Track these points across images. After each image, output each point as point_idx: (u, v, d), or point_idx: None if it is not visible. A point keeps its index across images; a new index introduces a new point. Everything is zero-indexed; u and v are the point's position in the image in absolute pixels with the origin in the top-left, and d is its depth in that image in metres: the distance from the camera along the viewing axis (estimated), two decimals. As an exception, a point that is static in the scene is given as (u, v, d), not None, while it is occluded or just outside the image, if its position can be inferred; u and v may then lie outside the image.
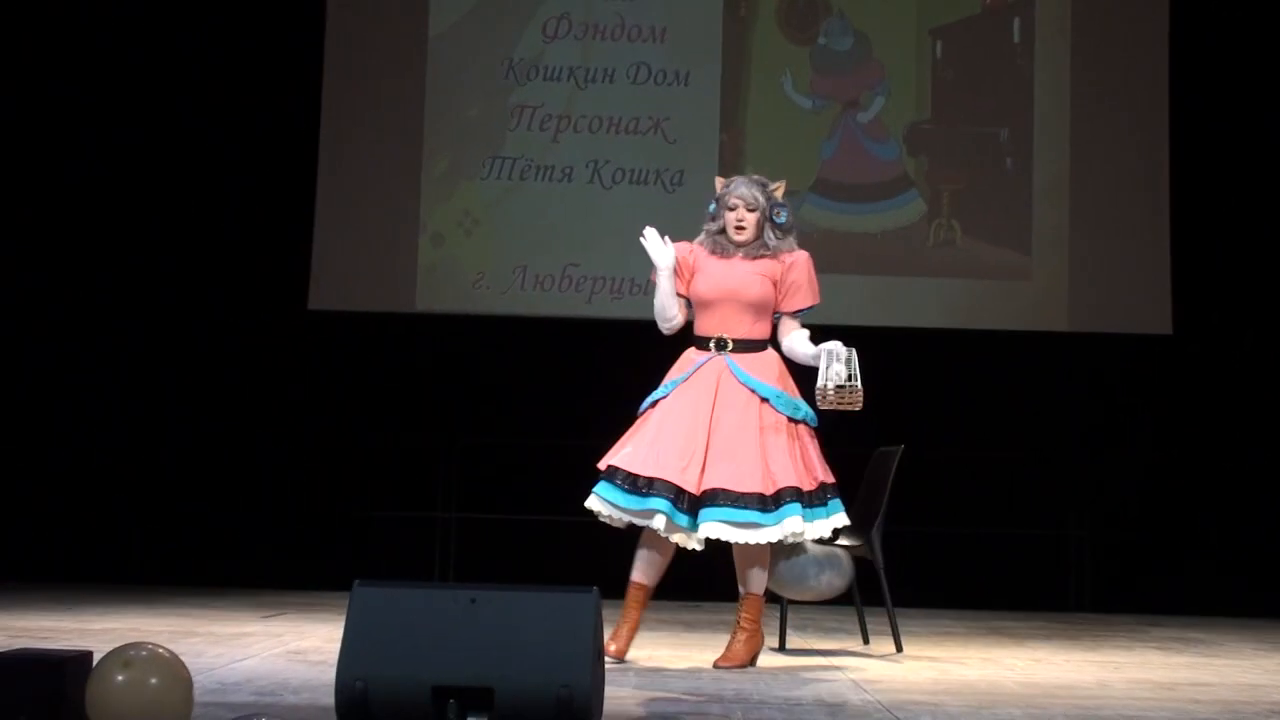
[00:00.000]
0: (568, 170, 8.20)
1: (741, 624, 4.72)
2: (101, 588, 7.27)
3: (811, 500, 4.63)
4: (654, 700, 3.83)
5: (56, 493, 7.97)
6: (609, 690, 3.41)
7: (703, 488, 4.54)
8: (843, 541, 5.41)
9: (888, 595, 5.30)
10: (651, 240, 4.83)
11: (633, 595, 4.72)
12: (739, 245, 4.78)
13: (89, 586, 7.30)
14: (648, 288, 7.99)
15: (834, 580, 5.02)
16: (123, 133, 8.16)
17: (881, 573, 5.26)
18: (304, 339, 8.10)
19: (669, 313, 4.82)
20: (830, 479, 4.74)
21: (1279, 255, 8.15)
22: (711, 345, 4.74)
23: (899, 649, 5.29)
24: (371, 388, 8.15)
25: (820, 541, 4.86)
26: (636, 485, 4.55)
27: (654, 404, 4.74)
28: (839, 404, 4.69)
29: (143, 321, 8.11)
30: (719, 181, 4.95)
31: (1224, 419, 8.10)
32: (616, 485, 4.58)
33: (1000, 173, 8.25)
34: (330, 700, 3.10)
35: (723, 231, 4.82)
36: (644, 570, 4.73)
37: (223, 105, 8.17)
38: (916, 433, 6.52)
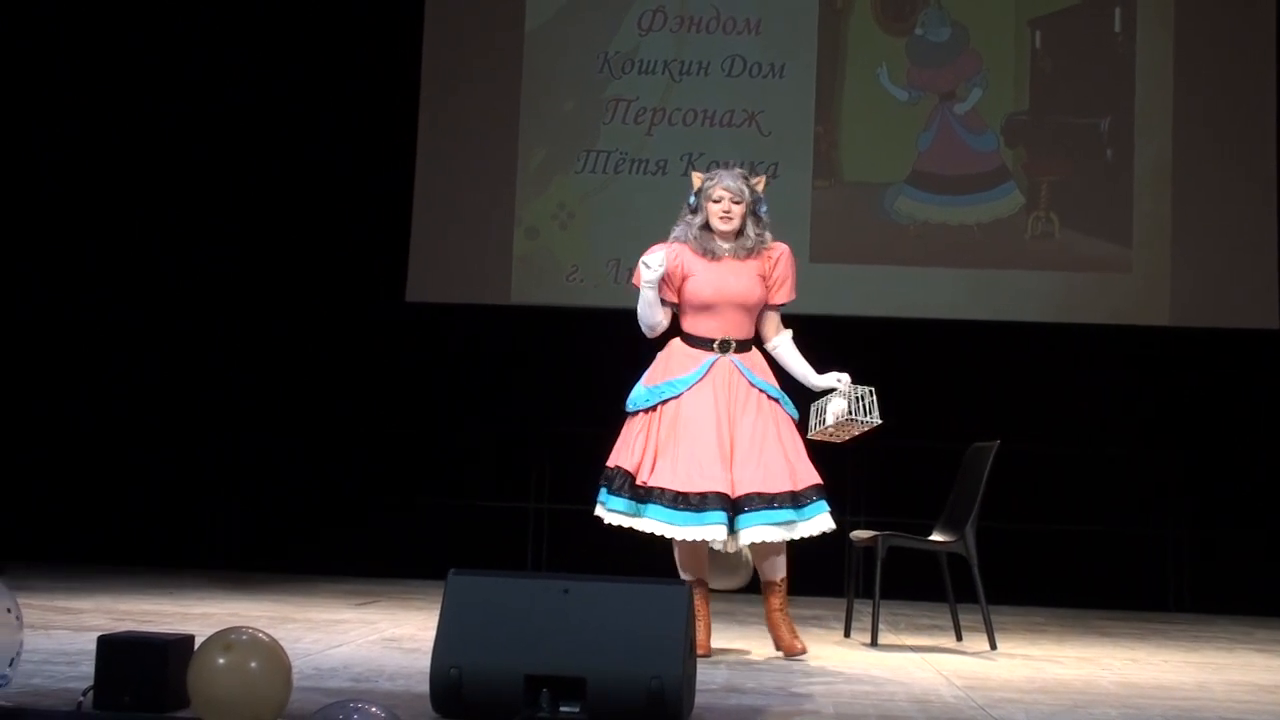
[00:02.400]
0: (662, 163, 8.20)
1: (782, 610, 4.77)
2: (200, 573, 7.40)
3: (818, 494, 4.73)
4: (745, 693, 3.83)
5: (157, 481, 8.13)
6: (700, 683, 3.42)
7: (737, 493, 4.59)
8: (936, 537, 5.38)
9: (981, 592, 5.25)
10: (650, 262, 4.77)
11: (694, 594, 4.71)
12: (723, 237, 4.77)
13: (188, 572, 7.44)
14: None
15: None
16: (222, 126, 8.29)
17: (975, 569, 5.21)
18: (401, 331, 8.18)
19: (654, 319, 4.86)
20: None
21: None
22: (715, 347, 4.77)
23: (993, 646, 5.24)
24: (466, 379, 8.22)
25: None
26: (689, 503, 4.57)
27: (660, 403, 4.74)
28: (827, 437, 4.86)
29: (243, 313, 8.24)
30: (697, 176, 4.93)
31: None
32: (667, 506, 4.59)
33: (1100, 164, 8.13)
34: (425, 687, 3.14)
35: (705, 226, 4.79)
36: (693, 567, 4.77)
37: (323, 99, 8.28)
38: (1012, 428, 6.43)
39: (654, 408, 4.76)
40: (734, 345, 4.78)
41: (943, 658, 4.94)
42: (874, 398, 4.80)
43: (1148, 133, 8.08)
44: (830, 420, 4.80)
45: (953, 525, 5.34)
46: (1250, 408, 7.98)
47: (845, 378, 4.83)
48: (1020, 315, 7.96)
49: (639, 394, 4.83)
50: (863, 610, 5.56)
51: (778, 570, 4.79)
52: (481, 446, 8.15)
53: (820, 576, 7.06)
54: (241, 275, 8.26)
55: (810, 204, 8.10)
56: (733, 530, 4.60)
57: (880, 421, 4.82)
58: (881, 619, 5.41)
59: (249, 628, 3.06)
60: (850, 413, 4.78)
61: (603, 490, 4.77)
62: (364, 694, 3.54)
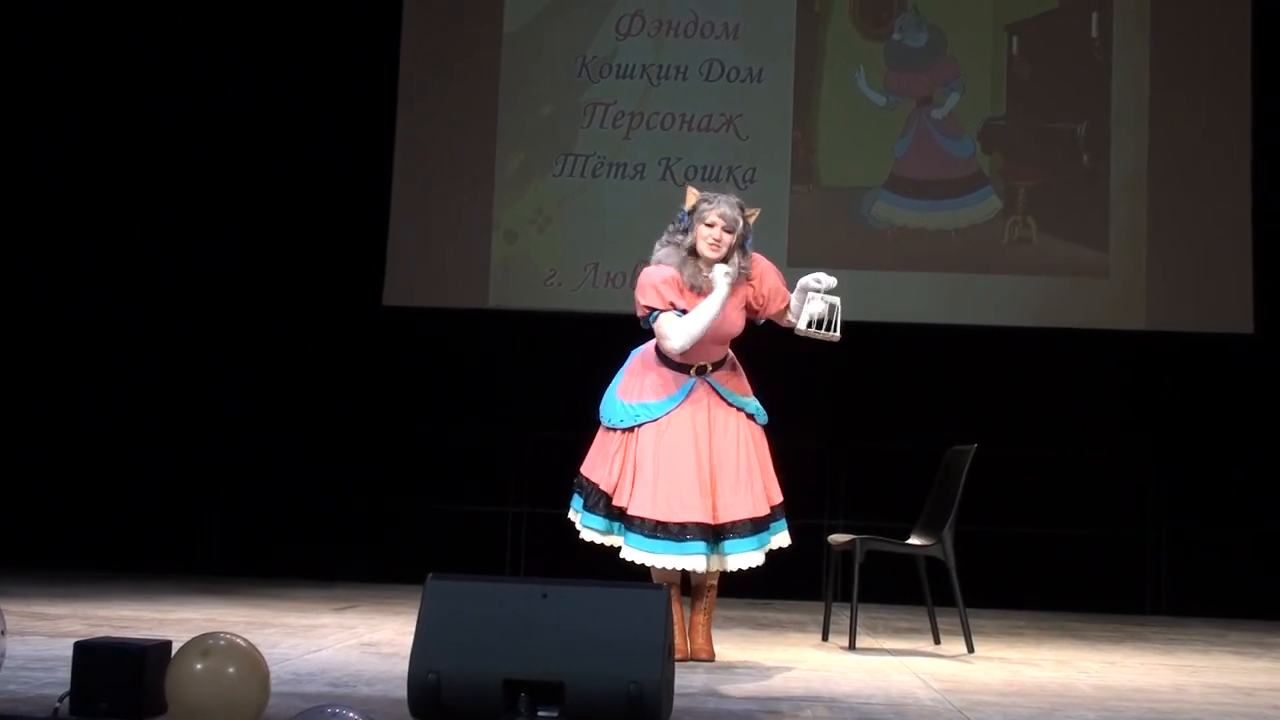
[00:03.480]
0: (640, 167, 8.21)
1: (706, 615, 4.80)
2: (177, 578, 7.37)
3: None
4: (723, 697, 3.84)
5: (134, 485, 8.10)
6: (678, 687, 3.42)
7: (722, 519, 4.63)
8: (914, 541, 5.39)
9: (959, 595, 5.26)
10: (723, 284, 4.70)
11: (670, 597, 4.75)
12: (707, 264, 4.71)
13: (166, 577, 7.41)
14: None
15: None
16: (198, 126, 8.26)
17: (953, 572, 5.22)
18: (378, 335, 8.17)
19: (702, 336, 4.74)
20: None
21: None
22: (693, 371, 4.77)
23: (970, 649, 5.25)
24: (444, 383, 8.20)
25: None
26: (669, 532, 4.60)
27: (638, 425, 4.72)
28: (813, 336, 4.76)
29: (218, 318, 8.22)
30: (693, 192, 4.87)
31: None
32: (647, 535, 4.60)
33: (1077, 169, 8.16)
34: (403, 692, 3.14)
35: (691, 249, 4.74)
36: (664, 575, 4.75)
37: (299, 103, 8.26)
38: (990, 431, 6.47)
39: (633, 429, 4.75)
40: (710, 367, 4.80)
41: (920, 661, 4.95)
42: (839, 313, 4.70)
43: (1124, 138, 8.11)
44: (802, 324, 4.72)
45: (931, 529, 5.36)
46: (1225, 412, 8.02)
47: (822, 278, 4.71)
48: (997, 319, 7.98)
49: (616, 408, 4.81)
50: (841, 614, 5.57)
51: (711, 575, 4.81)
52: (460, 451, 8.13)
53: (798, 580, 7.08)
54: (216, 280, 8.23)
55: (788, 209, 8.11)
56: (716, 553, 4.64)
57: (839, 337, 4.72)
58: (860, 622, 5.42)
59: (226, 633, 3.05)
60: (817, 323, 4.68)
61: (577, 498, 4.81)
62: (342, 699, 3.53)
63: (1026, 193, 8.14)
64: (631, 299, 8.02)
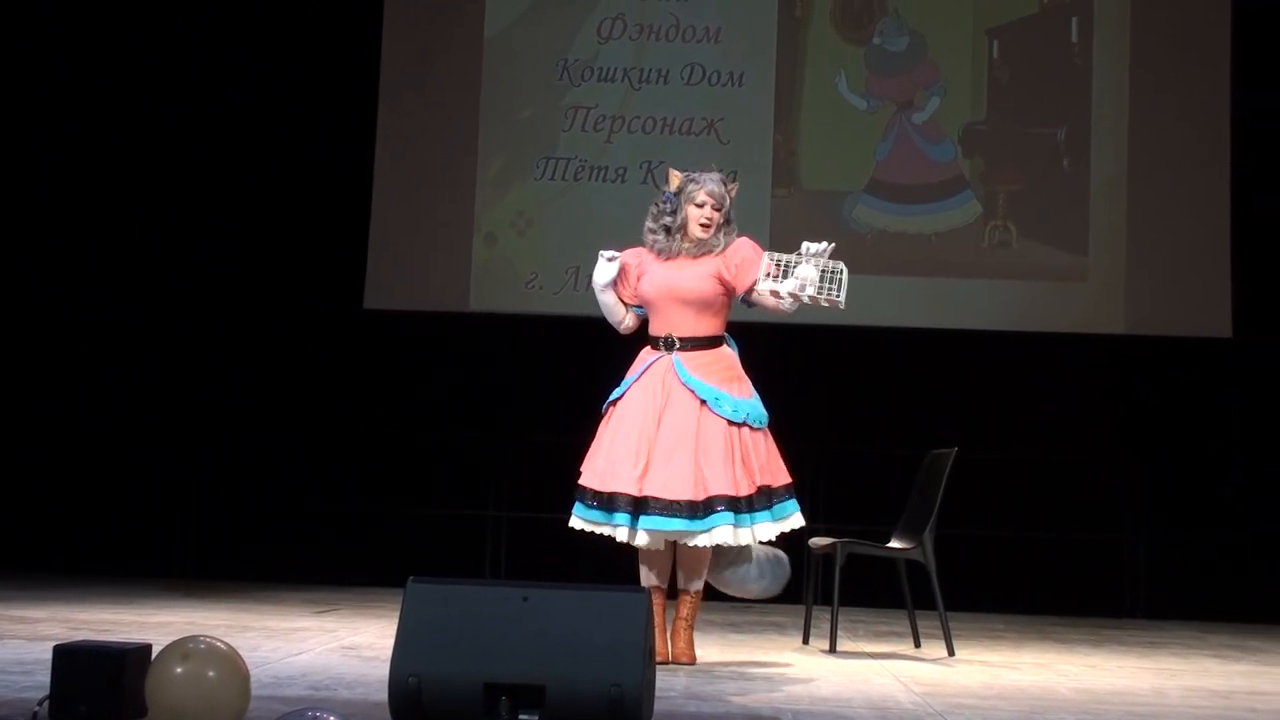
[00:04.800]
0: (621, 171, 8.21)
1: (687, 619, 4.78)
2: (157, 582, 7.35)
3: (750, 505, 4.64)
4: (704, 700, 3.84)
5: (113, 488, 8.07)
6: (659, 690, 3.42)
7: (645, 492, 4.62)
8: (895, 544, 5.40)
9: (939, 598, 5.28)
10: (601, 266, 4.86)
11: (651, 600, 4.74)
12: (695, 243, 4.77)
13: (145, 580, 7.38)
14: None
15: (771, 586, 4.91)
16: (179, 129, 8.25)
17: (933, 576, 5.23)
18: (358, 338, 8.16)
19: (616, 317, 4.96)
20: (779, 481, 4.73)
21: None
22: (661, 344, 4.79)
23: (951, 652, 5.27)
24: (425, 386, 8.20)
25: (768, 543, 4.83)
26: (602, 501, 4.66)
27: (613, 403, 4.81)
28: (774, 299, 4.67)
29: (198, 320, 8.20)
30: (675, 174, 4.90)
31: (1283, 424, 8.01)
32: (588, 505, 4.69)
33: (1057, 173, 8.19)
34: (383, 696, 3.13)
35: (678, 229, 4.78)
36: (649, 577, 4.79)
37: (279, 106, 8.25)
38: (970, 435, 6.48)
39: (608, 409, 4.83)
40: (678, 343, 4.75)
41: (901, 664, 4.96)
42: (845, 276, 4.58)
43: (1104, 142, 8.15)
44: (792, 284, 4.57)
45: (911, 532, 5.37)
46: (1204, 416, 8.06)
47: (812, 245, 4.62)
48: (977, 324, 8.01)
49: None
50: (821, 617, 5.58)
51: (691, 582, 4.80)
52: (440, 454, 8.13)
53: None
54: (200, 284, 8.21)
55: (769, 212, 8.12)
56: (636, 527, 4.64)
57: (843, 305, 4.59)
58: (840, 626, 5.43)
59: (207, 636, 3.04)
60: (818, 284, 4.55)
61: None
62: (322, 702, 3.52)
63: (1006, 197, 8.17)
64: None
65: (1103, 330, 8.03)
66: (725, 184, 4.84)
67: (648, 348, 4.84)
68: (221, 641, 3.02)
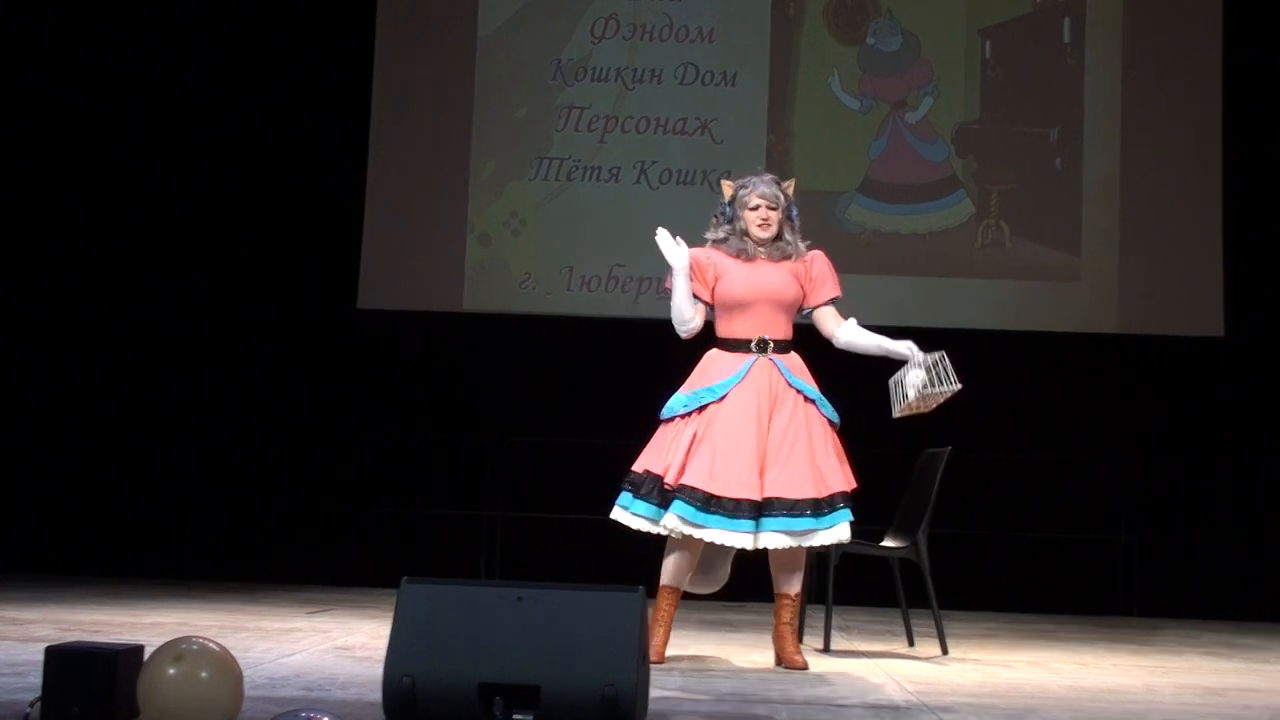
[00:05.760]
0: (615, 171, 8.21)
1: (792, 624, 4.72)
2: (150, 583, 7.34)
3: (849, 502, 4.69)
4: (699, 700, 3.84)
5: (106, 489, 8.06)
6: (653, 690, 3.42)
7: (765, 494, 4.54)
8: (889, 543, 5.41)
9: (933, 597, 5.28)
10: (665, 241, 4.79)
11: (667, 599, 4.71)
12: (760, 244, 4.77)
13: (138, 581, 7.38)
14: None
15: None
16: (174, 130, 8.24)
17: (927, 575, 5.24)
18: (353, 338, 8.16)
19: (686, 315, 4.77)
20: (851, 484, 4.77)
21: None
22: (753, 347, 4.73)
23: (944, 651, 5.27)
24: (419, 387, 8.19)
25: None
26: (722, 507, 4.51)
27: (700, 408, 4.65)
28: (913, 411, 4.77)
29: (192, 320, 8.19)
30: (728, 185, 4.89)
31: (1276, 422, 8.02)
32: (697, 506, 4.52)
33: (1049, 173, 8.20)
34: (378, 696, 3.13)
35: (741, 234, 4.78)
36: (677, 576, 4.73)
37: (274, 105, 8.24)
38: (964, 435, 6.48)
39: (694, 412, 4.67)
40: (771, 345, 4.73)
41: (895, 663, 4.97)
42: (947, 361, 4.71)
43: (1096, 142, 8.16)
44: (911, 394, 4.71)
45: (905, 531, 5.37)
46: (1196, 414, 8.07)
47: (913, 347, 4.76)
48: (970, 323, 8.01)
49: (676, 400, 4.72)
50: (815, 616, 5.58)
51: (792, 584, 4.72)
52: (434, 454, 8.13)
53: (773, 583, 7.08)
54: (191, 282, 8.20)
55: (763, 212, 8.11)
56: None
57: (960, 386, 4.71)
58: (834, 624, 5.43)
59: (199, 637, 3.04)
60: (930, 383, 4.68)
61: (626, 494, 4.69)
62: (316, 703, 3.52)
63: (999, 197, 8.18)
64: (608, 302, 8.09)
65: (1096, 329, 8.04)
66: (779, 183, 4.83)
67: (721, 351, 4.74)
68: (214, 642, 3.02)
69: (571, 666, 3.05)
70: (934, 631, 5.33)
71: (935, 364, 4.73)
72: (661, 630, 4.67)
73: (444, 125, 8.25)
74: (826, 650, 5.24)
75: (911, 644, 5.51)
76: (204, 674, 2.91)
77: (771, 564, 4.75)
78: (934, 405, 4.79)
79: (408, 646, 3.11)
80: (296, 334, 8.17)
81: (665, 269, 4.82)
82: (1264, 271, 8.05)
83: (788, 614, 4.73)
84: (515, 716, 3.04)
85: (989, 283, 8.10)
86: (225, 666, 2.96)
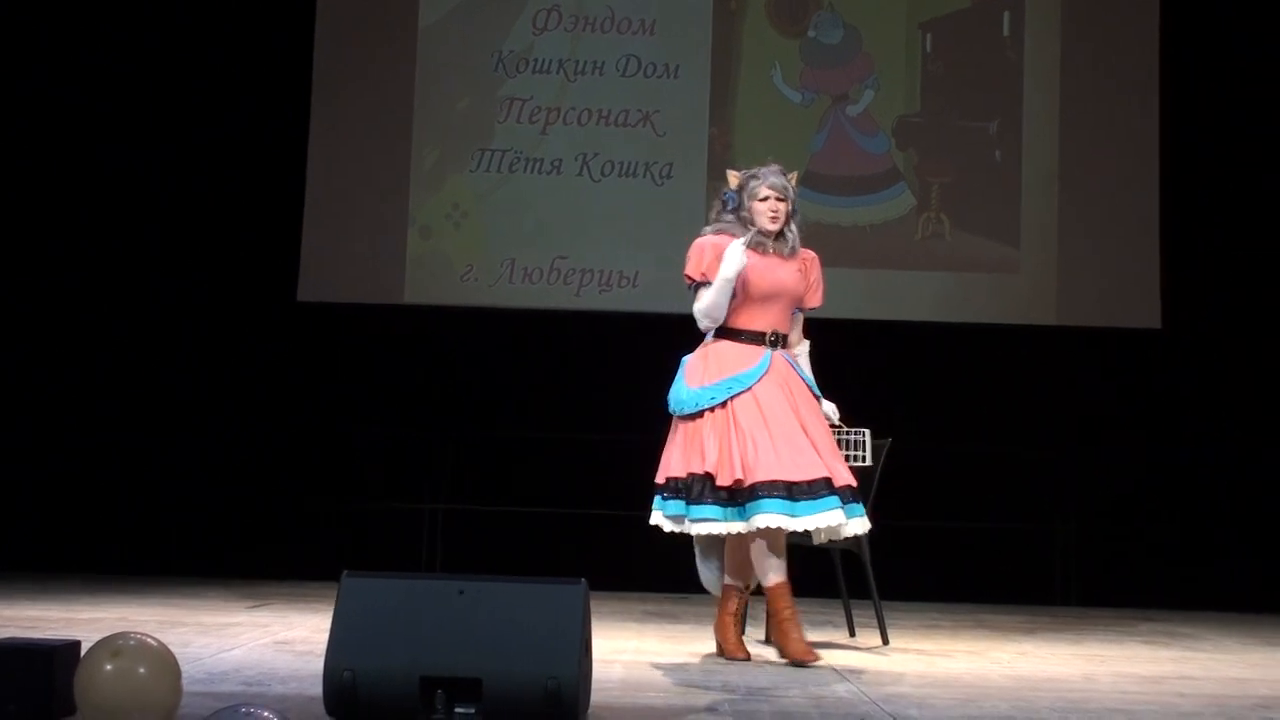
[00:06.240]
0: (557, 163, 8.19)
1: (794, 611, 4.64)
2: (87, 577, 7.25)
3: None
4: (641, 692, 3.84)
5: (43, 482, 7.95)
6: (596, 682, 3.42)
7: (840, 482, 4.52)
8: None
9: (874, 588, 5.31)
10: (738, 254, 4.62)
11: (737, 598, 4.76)
12: (769, 235, 4.72)
13: (74, 576, 7.28)
14: (636, 280, 8.04)
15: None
16: (109, 123, 8.14)
17: (868, 566, 5.26)
18: (293, 330, 8.09)
19: (722, 312, 4.68)
20: None
21: (1268, 250, 8.17)
22: (767, 341, 4.71)
23: (885, 642, 5.30)
24: (360, 380, 8.14)
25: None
26: (809, 490, 4.46)
27: (729, 399, 4.57)
28: None
29: (129, 312, 8.10)
30: (733, 174, 4.86)
31: (1212, 413, 8.12)
32: (782, 498, 4.44)
33: (989, 166, 8.26)
34: (318, 690, 3.11)
35: (747, 224, 4.73)
36: (745, 570, 4.71)
37: (212, 96, 8.16)
38: (904, 426, 6.51)
39: (721, 405, 4.58)
40: (781, 340, 4.74)
41: (836, 653, 4.99)
42: (867, 438, 4.81)
43: (1035, 136, 8.22)
44: None
45: (846, 522, 5.38)
46: (1133, 405, 8.16)
47: (834, 412, 4.81)
48: (911, 315, 8.06)
49: (695, 394, 4.61)
50: (757, 607, 5.59)
51: (782, 570, 4.65)
52: (376, 447, 8.08)
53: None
54: (128, 273, 8.11)
55: (705, 204, 8.12)
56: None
57: (869, 463, 4.81)
58: (776, 616, 5.43)
59: (137, 632, 3.01)
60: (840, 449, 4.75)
61: (673, 502, 4.55)
62: (256, 698, 3.49)
63: (940, 189, 8.22)
64: (550, 295, 8.07)
65: (1035, 321, 8.11)
66: (785, 174, 4.80)
67: (740, 343, 4.68)
68: (152, 638, 2.99)
69: (513, 659, 3.05)
70: (875, 622, 5.36)
71: (852, 436, 4.79)
72: (736, 627, 4.72)
73: (384, 116, 8.20)
74: (768, 641, 5.26)
75: (853, 634, 5.54)
76: (142, 669, 2.88)
77: (769, 552, 4.65)
78: None
79: (348, 640, 3.09)
80: (236, 326, 8.09)
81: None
82: (1200, 265, 8.14)
83: (789, 602, 4.65)
84: (457, 710, 3.03)
85: (929, 275, 8.15)
86: (163, 662, 2.93)
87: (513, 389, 8.13)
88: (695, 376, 4.67)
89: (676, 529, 4.60)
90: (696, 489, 4.53)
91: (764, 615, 5.33)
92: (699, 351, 4.77)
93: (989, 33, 8.34)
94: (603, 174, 8.17)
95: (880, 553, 5.39)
